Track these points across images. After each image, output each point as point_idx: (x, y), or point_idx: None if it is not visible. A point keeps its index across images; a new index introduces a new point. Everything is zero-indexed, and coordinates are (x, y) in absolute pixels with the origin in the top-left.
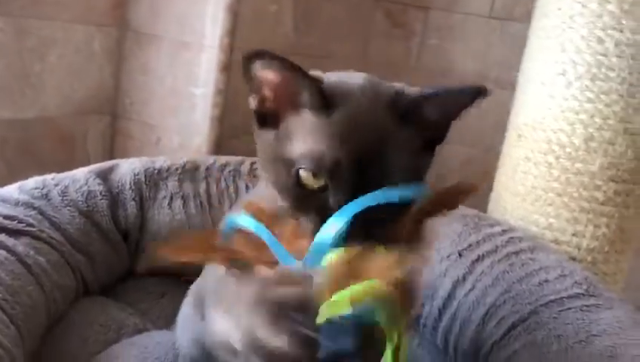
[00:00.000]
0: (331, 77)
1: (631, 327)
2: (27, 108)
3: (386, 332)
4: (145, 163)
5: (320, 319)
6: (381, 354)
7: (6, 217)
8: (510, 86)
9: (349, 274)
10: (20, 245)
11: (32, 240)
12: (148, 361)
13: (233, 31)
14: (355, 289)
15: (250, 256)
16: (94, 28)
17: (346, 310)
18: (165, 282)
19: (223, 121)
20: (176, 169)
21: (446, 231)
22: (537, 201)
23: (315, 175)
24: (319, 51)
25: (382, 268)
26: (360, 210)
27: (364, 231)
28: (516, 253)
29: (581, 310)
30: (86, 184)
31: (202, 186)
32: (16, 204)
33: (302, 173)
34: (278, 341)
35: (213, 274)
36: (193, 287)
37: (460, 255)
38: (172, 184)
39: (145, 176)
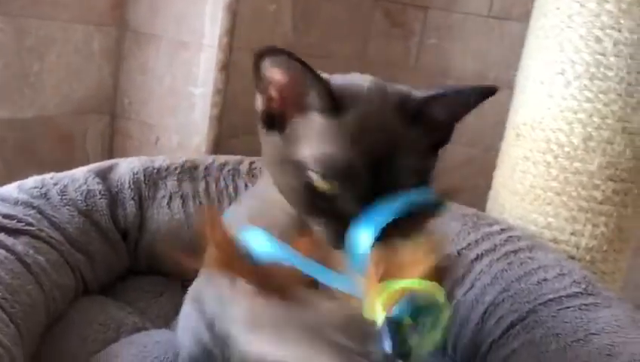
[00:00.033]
0: (337, 79)
1: (629, 326)
2: (26, 108)
3: (433, 318)
4: (144, 162)
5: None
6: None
7: (5, 216)
8: (509, 85)
9: (388, 276)
10: (19, 244)
11: (31, 240)
12: (147, 360)
13: (232, 30)
14: (400, 287)
15: (283, 278)
16: (93, 28)
17: (399, 310)
18: (164, 281)
19: (221, 121)
20: (176, 168)
21: (445, 231)
22: (536, 200)
23: (326, 178)
24: (318, 51)
25: (416, 262)
26: (388, 220)
27: (388, 235)
28: (515, 251)
29: (580, 309)
30: (85, 183)
31: (201, 186)
32: (16, 203)
33: (313, 176)
34: None
35: (224, 284)
36: (193, 286)
37: (458, 254)
38: (171, 183)
39: (144, 175)
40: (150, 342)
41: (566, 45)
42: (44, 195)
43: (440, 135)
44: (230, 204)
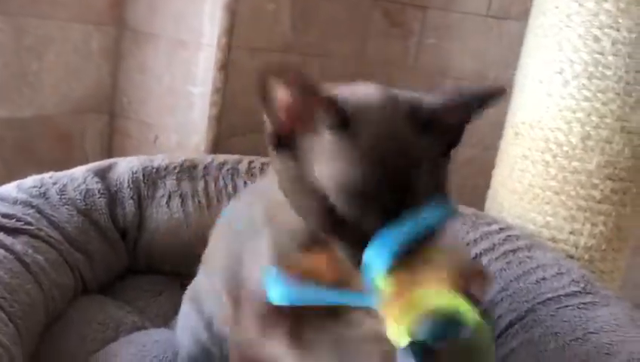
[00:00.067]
0: (344, 91)
1: (628, 324)
2: (25, 107)
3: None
4: (143, 161)
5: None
6: None
7: (4, 216)
8: (508, 85)
9: (410, 295)
10: (18, 243)
11: (30, 239)
12: (146, 359)
13: (231, 30)
14: (422, 308)
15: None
16: (92, 27)
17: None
18: (163, 280)
19: (220, 120)
20: (175, 168)
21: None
22: (535, 199)
23: (344, 201)
24: (317, 50)
25: (438, 278)
26: (407, 240)
27: (407, 253)
28: (513, 251)
29: (578, 308)
30: (84, 183)
31: (200, 185)
32: (15, 202)
33: (330, 199)
34: None
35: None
36: (191, 286)
37: None
38: (170, 183)
39: (143, 174)
40: (149, 341)
41: (564, 44)
42: (43, 195)
43: (451, 137)
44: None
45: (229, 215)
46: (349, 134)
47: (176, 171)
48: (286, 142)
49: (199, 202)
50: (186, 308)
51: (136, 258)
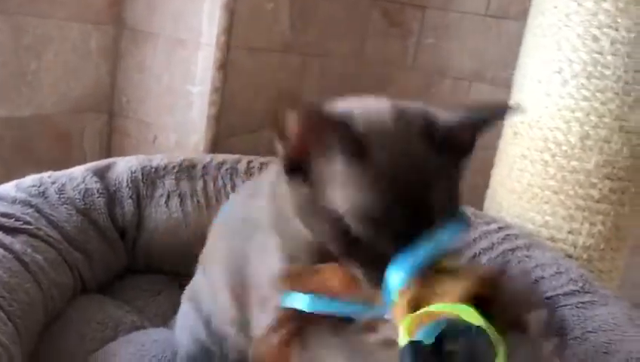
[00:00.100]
0: (354, 108)
1: (626, 324)
2: (23, 107)
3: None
4: (142, 161)
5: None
6: None
7: (3, 215)
8: (506, 84)
9: (423, 303)
10: (17, 243)
11: (29, 238)
12: (145, 359)
13: (230, 29)
14: (426, 310)
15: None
16: (91, 26)
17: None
18: (162, 279)
19: (219, 120)
20: (173, 167)
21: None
22: (533, 199)
23: (361, 226)
24: (316, 49)
25: (452, 291)
26: (423, 263)
27: (424, 273)
28: (512, 250)
29: (577, 307)
30: (83, 182)
31: (199, 184)
32: (14, 201)
33: (347, 222)
34: None
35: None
36: (189, 286)
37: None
38: (169, 182)
39: (142, 174)
40: (148, 340)
41: (563, 44)
42: (42, 194)
43: (463, 149)
44: None
45: (228, 212)
46: (364, 160)
47: (175, 171)
48: (299, 166)
49: (198, 202)
50: (184, 308)
51: (135, 257)
